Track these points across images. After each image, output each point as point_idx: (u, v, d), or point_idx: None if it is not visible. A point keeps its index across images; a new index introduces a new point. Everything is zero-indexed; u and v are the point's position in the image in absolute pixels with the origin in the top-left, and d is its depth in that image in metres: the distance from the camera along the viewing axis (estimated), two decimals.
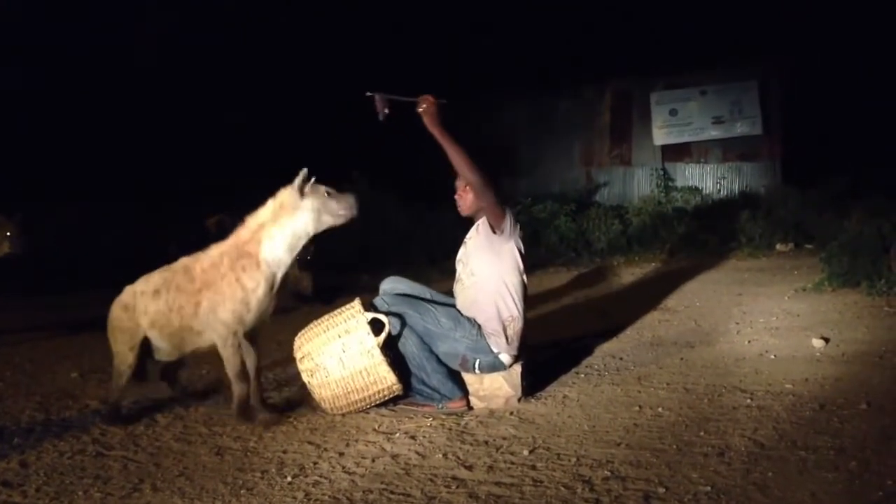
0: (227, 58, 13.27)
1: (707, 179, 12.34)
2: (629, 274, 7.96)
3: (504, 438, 3.04)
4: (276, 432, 3.30)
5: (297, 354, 3.52)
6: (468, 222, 3.77)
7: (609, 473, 2.60)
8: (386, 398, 3.47)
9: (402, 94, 3.47)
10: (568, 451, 2.85)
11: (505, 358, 3.52)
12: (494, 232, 3.52)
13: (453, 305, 3.64)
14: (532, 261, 4.08)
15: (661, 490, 2.42)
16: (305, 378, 3.47)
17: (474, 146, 3.44)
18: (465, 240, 3.73)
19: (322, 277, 7.16)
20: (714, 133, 12.17)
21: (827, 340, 4.25)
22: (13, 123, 11.26)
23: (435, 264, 8.50)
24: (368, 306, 3.53)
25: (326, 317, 3.55)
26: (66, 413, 3.78)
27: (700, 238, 9.40)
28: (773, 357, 4.06)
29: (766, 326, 4.84)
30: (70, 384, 4.37)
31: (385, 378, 3.37)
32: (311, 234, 3.46)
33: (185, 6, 12.72)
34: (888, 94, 11.83)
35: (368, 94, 3.45)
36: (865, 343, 4.20)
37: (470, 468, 2.74)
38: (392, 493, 2.56)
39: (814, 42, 12.23)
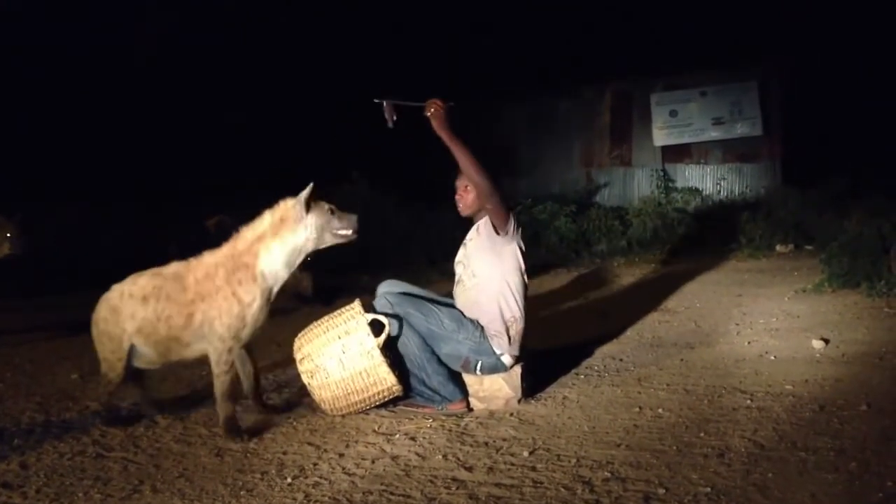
0: (227, 58, 13.27)
1: (707, 180, 12.34)
2: (629, 275, 7.95)
3: (504, 440, 3.04)
4: (275, 433, 3.30)
5: (297, 355, 3.52)
6: (468, 223, 3.77)
7: (609, 474, 2.60)
8: (386, 399, 3.47)
9: (403, 96, 3.46)
10: (568, 452, 2.85)
11: (507, 359, 3.52)
12: (498, 233, 3.53)
13: (454, 307, 3.64)
14: (532, 262, 4.07)
15: (661, 491, 2.42)
16: (305, 379, 3.47)
17: (474, 146, 3.44)
18: (465, 241, 3.73)
19: (322, 278, 7.16)
20: (714, 134, 12.17)
21: (827, 341, 4.25)
22: (13, 123, 11.26)
23: (435, 265, 8.49)
24: (368, 307, 3.53)
25: (326, 318, 3.55)
26: (66, 414, 3.78)
27: (700, 239, 9.40)
28: (773, 358, 4.07)
29: (766, 327, 4.84)
30: (70, 385, 4.36)
31: (385, 379, 3.37)
32: (310, 250, 3.35)
33: (185, 6, 12.72)
34: (888, 94, 11.83)
35: (376, 101, 3.44)
36: (865, 344, 4.20)
37: (470, 469, 2.74)
38: (392, 494, 2.56)
39: (814, 42, 12.23)
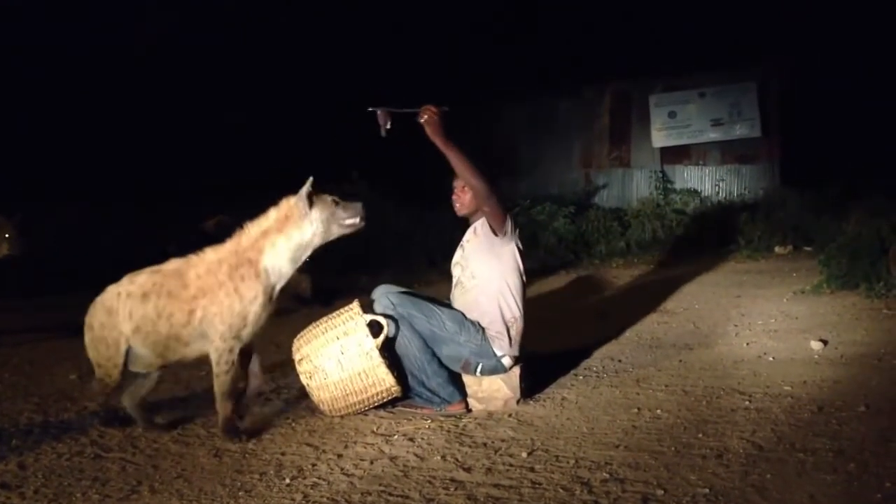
0: (227, 58, 13.26)
1: (706, 181, 12.34)
2: (628, 276, 7.96)
3: (502, 440, 3.04)
4: (274, 434, 3.30)
5: (296, 356, 3.52)
6: (467, 223, 3.77)
7: (607, 475, 2.60)
8: (384, 400, 3.47)
9: (403, 96, 3.48)
10: (566, 453, 2.86)
11: (507, 361, 3.53)
12: (496, 234, 3.54)
13: (454, 308, 3.64)
14: (530, 263, 4.08)
15: (660, 492, 2.43)
16: (304, 380, 3.47)
17: (474, 147, 3.45)
18: (462, 243, 3.73)
19: (321, 279, 7.16)
20: (713, 135, 12.17)
21: (825, 343, 4.25)
22: (13, 123, 11.26)
23: (434, 266, 8.50)
24: (367, 308, 3.53)
25: (325, 319, 3.55)
26: (64, 415, 3.77)
27: (698, 240, 9.40)
28: (771, 359, 4.07)
29: (764, 328, 4.84)
30: (69, 386, 4.36)
31: (384, 380, 3.38)
32: (318, 245, 3.30)
33: (185, 6, 12.72)
34: (888, 94, 11.82)
35: (370, 109, 3.45)
36: (864, 345, 4.20)
37: (468, 470, 2.74)
38: (390, 494, 2.56)
39: (813, 43, 12.23)
